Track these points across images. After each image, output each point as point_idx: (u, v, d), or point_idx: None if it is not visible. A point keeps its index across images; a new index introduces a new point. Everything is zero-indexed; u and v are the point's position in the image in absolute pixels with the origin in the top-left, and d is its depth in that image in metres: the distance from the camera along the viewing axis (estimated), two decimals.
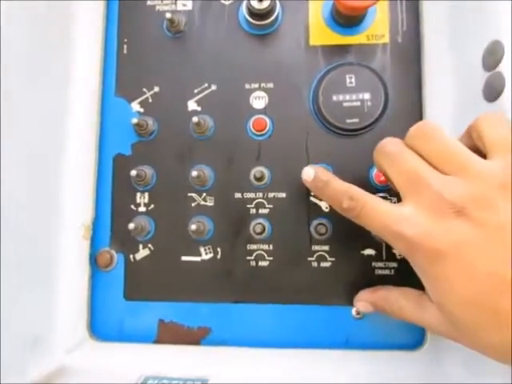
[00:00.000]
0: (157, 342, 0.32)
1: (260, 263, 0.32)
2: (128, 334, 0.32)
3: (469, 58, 0.28)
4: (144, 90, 0.34)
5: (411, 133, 0.24)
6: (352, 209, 0.24)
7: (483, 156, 0.22)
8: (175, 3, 0.34)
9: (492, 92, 0.24)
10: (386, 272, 0.31)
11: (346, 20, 0.32)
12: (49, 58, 0.31)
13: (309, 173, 0.27)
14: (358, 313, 0.30)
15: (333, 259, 0.31)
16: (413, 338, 0.30)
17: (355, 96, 0.31)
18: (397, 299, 0.26)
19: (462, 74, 0.29)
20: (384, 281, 0.31)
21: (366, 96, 0.31)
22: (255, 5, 0.31)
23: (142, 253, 0.33)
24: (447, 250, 0.20)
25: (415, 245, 0.21)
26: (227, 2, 0.34)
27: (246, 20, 0.33)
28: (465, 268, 0.20)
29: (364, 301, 0.29)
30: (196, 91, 0.33)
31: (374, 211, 0.23)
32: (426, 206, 0.21)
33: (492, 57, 0.25)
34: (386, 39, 0.33)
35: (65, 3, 0.33)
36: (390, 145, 0.24)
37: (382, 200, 0.24)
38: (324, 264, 0.31)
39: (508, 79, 0.23)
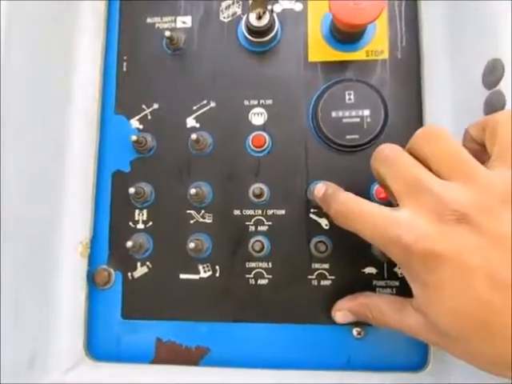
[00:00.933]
0: (154, 361, 0.31)
1: (259, 281, 0.31)
2: (125, 353, 0.32)
3: (469, 75, 0.27)
4: (143, 106, 0.34)
5: (417, 134, 0.23)
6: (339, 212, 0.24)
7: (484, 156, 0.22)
8: (175, 21, 0.35)
9: (492, 110, 0.24)
10: (388, 291, 0.30)
11: (345, 36, 0.32)
12: (49, 74, 0.31)
13: (319, 189, 0.27)
14: (360, 333, 0.30)
15: (333, 277, 0.31)
16: (416, 358, 0.30)
17: (355, 112, 0.31)
18: (377, 304, 0.26)
19: (462, 91, 0.29)
20: None
21: (366, 112, 0.31)
22: (254, 22, 0.31)
23: (140, 271, 0.32)
24: (447, 255, 0.19)
25: (412, 249, 0.20)
26: (226, 20, 0.34)
27: (245, 37, 0.33)
28: (463, 275, 0.19)
29: (343, 310, 0.28)
30: (195, 108, 0.33)
31: (366, 214, 0.23)
32: (425, 210, 0.20)
33: (492, 75, 0.24)
34: (386, 55, 0.32)
35: (65, 21, 0.33)
36: (387, 149, 0.24)
37: (376, 204, 0.23)
38: (324, 282, 0.31)
39: (508, 98, 0.23)
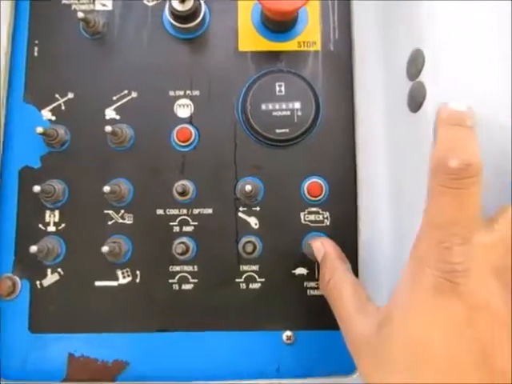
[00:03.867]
0: (66, 379, 0.28)
1: (184, 286, 0.29)
2: (34, 371, 0.28)
3: (396, 67, 0.27)
4: (57, 96, 0.30)
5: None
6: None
7: None
8: (93, 2, 0.31)
9: (414, 102, 0.23)
10: (319, 292, 0.29)
11: (276, 25, 0.31)
12: None
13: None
14: (289, 338, 0.28)
15: (262, 280, 0.29)
16: (347, 362, 0.28)
17: (285, 105, 0.30)
18: (343, 283, 0.24)
19: (391, 84, 0.28)
20: (318, 302, 0.29)
21: (297, 105, 0.30)
22: (177, 6, 0.29)
23: (51, 278, 0.29)
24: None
25: None
26: (150, 3, 0.31)
27: (170, 23, 0.30)
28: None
29: (322, 247, 0.26)
30: (115, 98, 0.30)
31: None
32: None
33: (414, 66, 0.23)
34: (318, 47, 0.31)
35: None
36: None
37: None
38: (253, 285, 0.29)
39: (429, 89, 0.22)
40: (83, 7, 0.31)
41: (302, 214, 0.29)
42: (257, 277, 0.29)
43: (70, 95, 0.30)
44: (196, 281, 0.29)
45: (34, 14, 0.31)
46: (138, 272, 0.29)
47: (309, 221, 0.29)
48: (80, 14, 0.29)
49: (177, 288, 0.29)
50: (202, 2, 0.30)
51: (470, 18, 0.22)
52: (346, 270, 0.24)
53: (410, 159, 0.25)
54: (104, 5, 0.32)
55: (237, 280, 0.29)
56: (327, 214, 0.29)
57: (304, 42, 0.31)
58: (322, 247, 0.26)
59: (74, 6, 0.31)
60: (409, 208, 0.26)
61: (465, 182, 0.18)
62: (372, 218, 0.29)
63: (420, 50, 0.23)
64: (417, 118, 0.23)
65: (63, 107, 0.30)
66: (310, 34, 0.31)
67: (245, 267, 0.29)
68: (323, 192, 0.29)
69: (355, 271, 0.28)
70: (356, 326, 0.22)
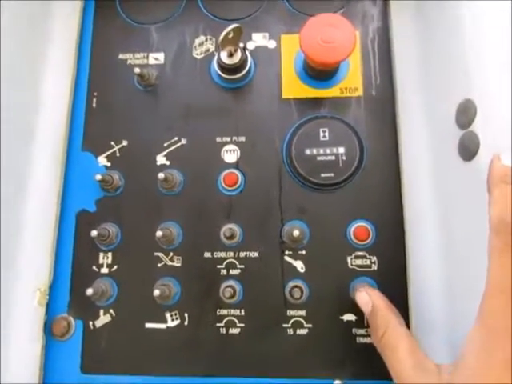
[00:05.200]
0: None
1: (231, 330, 0.29)
2: None
3: (443, 114, 0.27)
4: (112, 143, 0.32)
5: None
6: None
7: None
8: (147, 57, 0.34)
9: (467, 151, 0.23)
10: (369, 340, 0.28)
11: (318, 74, 0.32)
12: (15, 107, 0.30)
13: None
14: None
15: (310, 325, 0.29)
16: None
17: (329, 150, 0.30)
18: (398, 337, 0.23)
19: (437, 130, 0.28)
20: (367, 350, 0.28)
21: (341, 150, 0.30)
22: (225, 60, 0.31)
23: (103, 319, 0.30)
24: None
25: None
26: (199, 56, 0.34)
27: (218, 74, 0.32)
28: None
29: (369, 300, 0.25)
30: (165, 145, 0.32)
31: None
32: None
33: (464, 116, 0.24)
34: (360, 92, 0.32)
35: (34, 54, 0.33)
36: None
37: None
38: (300, 331, 0.29)
39: (482, 139, 0.22)
40: (138, 62, 0.34)
41: (348, 258, 0.29)
42: (304, 322, 0.29)
43: (124, 143, 0.32)
44: (243, 325, 0.29)
45: (94, 68, 0.34)
46: (186, 315, 0.29)
47: (356, 265, 0.29)
48: (136, 70, 0.31)
49: (224, 332, 0.29)
50: (248, 54, 0.32)
51: None
52: (399, 324, 0.23)
53: (462, 206, 0.25)
54: (157, 59, 0.34)
55: (284, 325, 0.29)
56: (375, 259, 0.29)
57: (346, 89, 0.32)
58: (369, 299, 0.25)
59: (129, 61, 0.34)
60: (460, 255, 0.26)
61: None
62: (421, 262, 0.29)
63: (471, 100, 0.23)
64: (470, 166, 0.23)
65: (118, 154, 0.32)
66: (351, 81, 0.32)
67: (292, 312, 0.29)
68: (370, 236, 0.29)
69: (405, 319, 0.27)
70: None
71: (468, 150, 0.23)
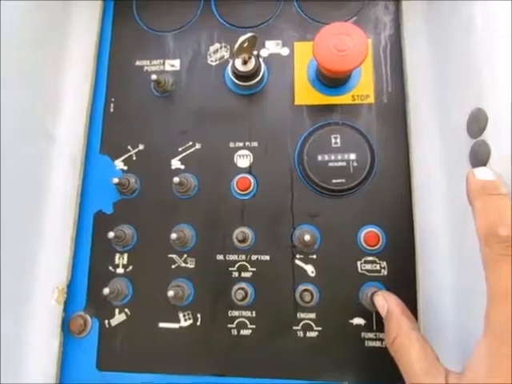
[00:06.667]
0: None
1: (242, 332, 0.30)
2: None
3: (454, 122, 0.27)
4: (129, 147, 0.34)
5: None
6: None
7: None
8: (163, 64, 0.35)
9: (478, 160, 0.24)
10: (377, 344, 0.29)
11: (331, 81, 0.32)
12: (36, 111, 0.31)
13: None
14: None
15: (319, 328, 0.29)
16: None
17: (340, 156, 0.31)
18: (410, 342, 0.23)
19: (449, 138, 0.29)
20: (376, 354, 0.28)
21: (352, 156, 0.31)
22: (240, 67, 0.32)
23: (118, 318, 0.31)
24: None
25: None
26: (214, 63, 0.34)
27: (232, 81, 0.33)
28: None
29: (386, 303, 0.26)
30: (180, 149, 0.33)
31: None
32: None
33: (476, 124, 0.24)
34: (372, 99, 0.32)
35: (54, 61, 0.34)
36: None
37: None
38: (310, 334, 0.29)
39: (493, 148, 0.23)
40: (154, 68, 0.35)
41: (358, 263, 0.30)
42: (314, 325, 0.29)
43: (141, 147, 0.33)
44: (254, 327, 0.30)
45: (111, 74, 0.35)
46: (198, 315, 0.30)
47: (365, 270, 0.30)
48: (153, 76, 0.32)
49: (235, 333, 0.30)
50: (261, 61, 0.33)
51: None
52: (412, 328, 0.24)
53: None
54: (172, 65, 0.35)
55: (294, 328, 0.29)
56: (384, 264, 0.30)
57: (358, 96, 0.33)
58: (385, 303, 0.25)
59: (146, 68, 0.35)
60: (470, 262, 0.26)
61: None
62: (431, 268, 0.29)
63: (482, 109, 0.24)
64: None
65: (134, 158, 0.33)
66: (363, 88, 0.33)
67: (302, 315, 0.29)
68: (380, 241, 0.30)
69: None
70: None
71: (479, 158, 0.23)
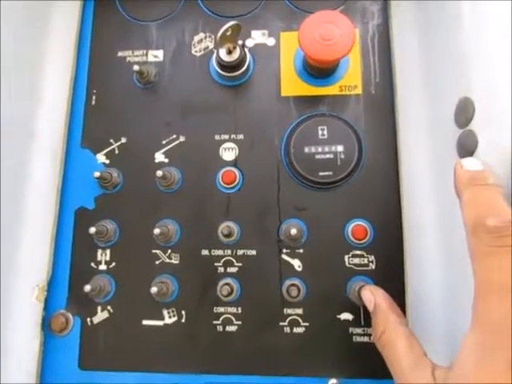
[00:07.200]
0: None
1: (227, 328, 0.29)
2: None
3: (442, 112, 0.27)
4: (111, 141, 0.33)
5: None
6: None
7: None
8: (146, 54, 0.34)
9: (465, 150, 0.23)
10: (365, 339, 0.28)
11: (318, 71, 0.32)
12: (15, 104, 0.30)
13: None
14: None
15: (306, 324, 0.29)
16: None
17: (328, 148, 0.30)
18: (396, 337, 0.22)
19: (436, 128, 0.28)
20: (364, 349, 0.28)
21: (339, 148, 0.30)
22: (224, 57, 0.31)
23: (101, 316, 0.30)
24: None
25: None
26: (198, 54, 0.34)
27: (217, 71, 0.32)
28: None
29: (373, 298, 0.25)
30: (164, 142, 0.32)
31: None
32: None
33: (463, 114, 0.23)
34: (359, 90, 0.32)
35: (34, 51, 0.33)
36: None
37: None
38: (297, 329, 0.29)
39: (481, 138, 0.22)
40: (137, 59, 0.34)
41: (346, 257, 0.29)
42: (301, 321, 0.29)
43: (123, 140, 0.32)
44: (240, 323, 0.29)
45: (93, 66, 0.34)
46: (183, 312, 0.30)
47: (353, 264, 0.29)
48: (135, 67, 0.31)
49: (221, 330, 0.29)
50: (247, 51, 0.32)
51: None
52: (399, 323, 0.23)
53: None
54: (156, 56, 0.34)
55: (281, 323, 0.29)
56: (372, 258, 0.29)
57: (345, 86, 0.32)
58: (373, 297, 0.25)
59: (128, 59, 0.34)
60: (459, 255, 0.25)
61: (509, 238, 0.18)
62: (419, 262, 0.28)
63: (469, 98, 0.23)
64: None
65: (117, 151, 0.32)
66: (351, 78, 0.32)
67: (289, 310, 0.29)
68: (368, 235, 0.29)
69: None
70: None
71: (465, 148, 0.23)
